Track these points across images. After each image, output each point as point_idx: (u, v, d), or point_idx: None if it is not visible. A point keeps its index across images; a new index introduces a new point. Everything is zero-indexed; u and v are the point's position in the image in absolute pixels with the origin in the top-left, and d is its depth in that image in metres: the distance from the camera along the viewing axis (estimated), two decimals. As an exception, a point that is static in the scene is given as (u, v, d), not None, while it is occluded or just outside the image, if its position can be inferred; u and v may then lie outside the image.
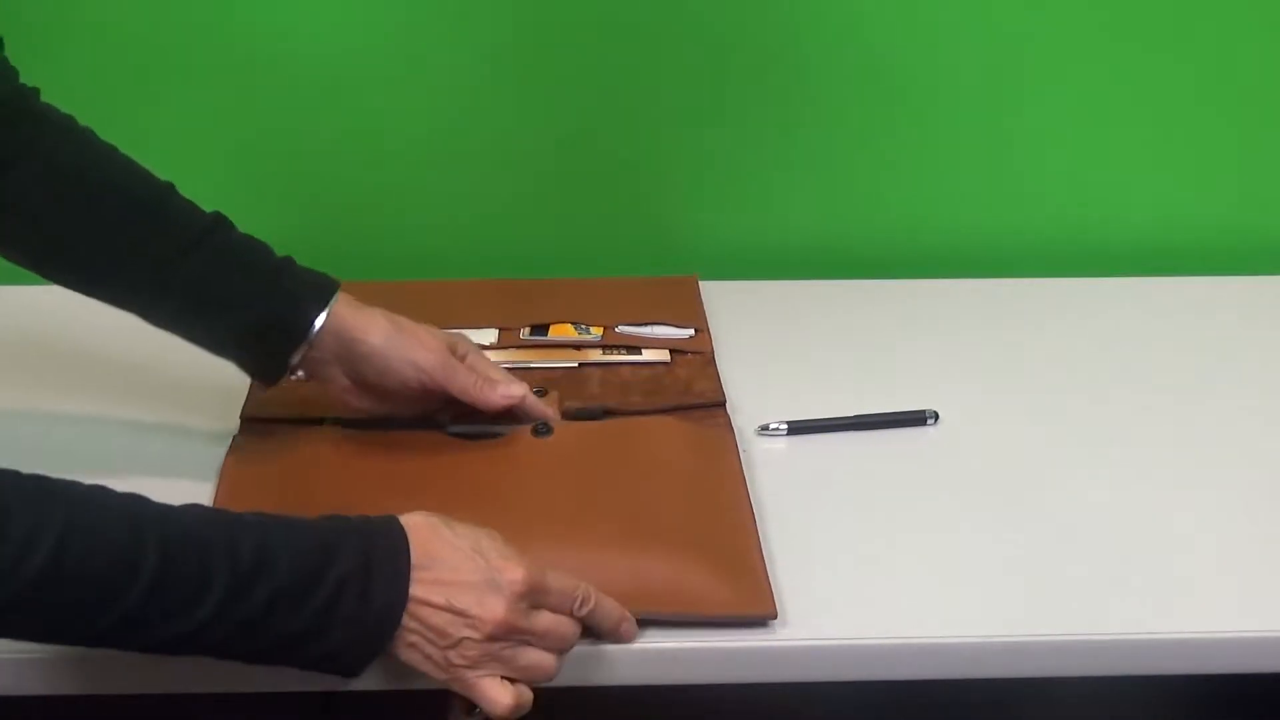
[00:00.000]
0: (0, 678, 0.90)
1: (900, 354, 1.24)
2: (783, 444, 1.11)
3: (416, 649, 0.83)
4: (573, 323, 1.23)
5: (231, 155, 1.36)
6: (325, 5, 1.30)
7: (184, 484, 1.04)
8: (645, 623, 0.91)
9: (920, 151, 1.38)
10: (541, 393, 1.09)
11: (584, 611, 0.87)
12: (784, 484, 1.06)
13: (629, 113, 1.36)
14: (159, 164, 1.13)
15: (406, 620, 0.81)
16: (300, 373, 1.04)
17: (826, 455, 1.10)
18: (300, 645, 0.81)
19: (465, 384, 1.03)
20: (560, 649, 0.86)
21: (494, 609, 0.82)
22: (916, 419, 1.13)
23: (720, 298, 1.30)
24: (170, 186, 1.02)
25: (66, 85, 1.07)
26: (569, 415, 1.10)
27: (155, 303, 1.01)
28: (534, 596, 0.84)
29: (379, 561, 0.81)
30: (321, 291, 1.01)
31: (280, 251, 1.04)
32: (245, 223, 1.18)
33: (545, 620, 0.85)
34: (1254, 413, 1.17)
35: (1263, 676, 0.96)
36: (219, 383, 1.17)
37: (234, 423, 1.11)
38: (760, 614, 0.92)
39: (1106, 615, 0.94)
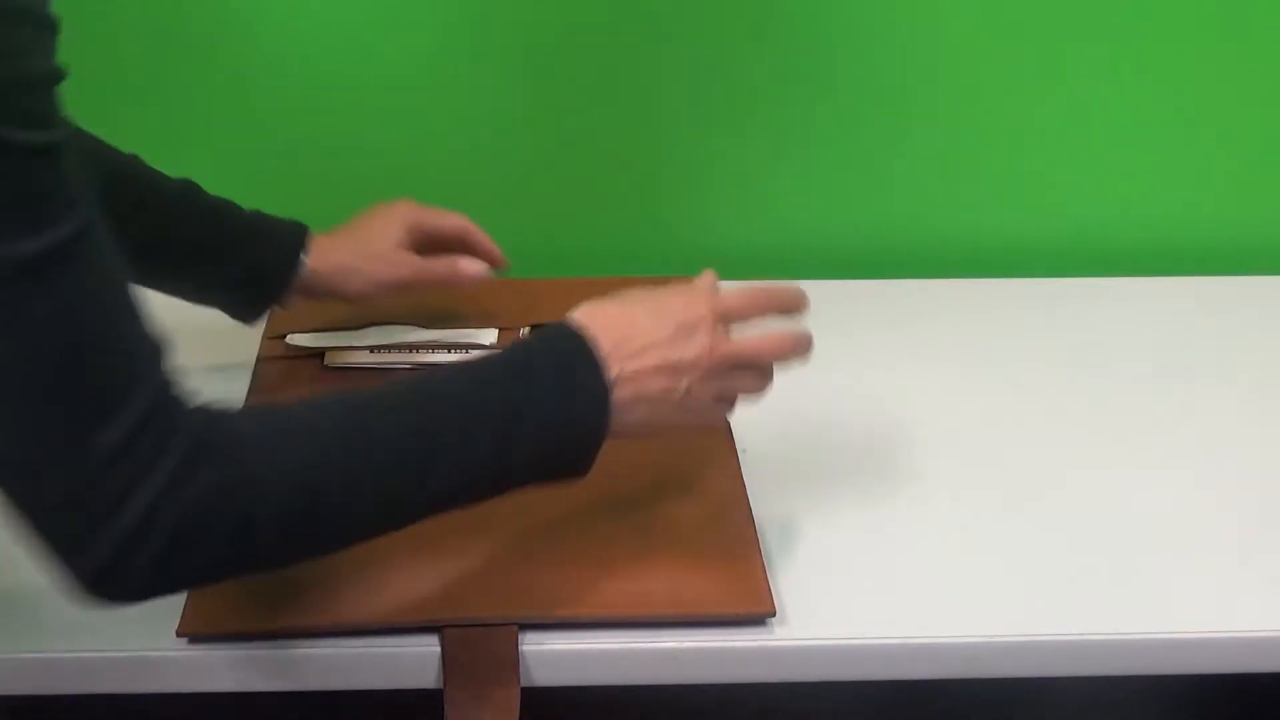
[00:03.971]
0: (0, 678, 0.90)
1: (900, 354, 1.24)
2: (782, 444, 1.11)
3: (653, 415, 0.87)
4: None
5: (230, 157, 1.36)
6: (328, 6, 1.30)
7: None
8: (645, 624, 0.91)
9: (920, 152, 1.38)
10: None
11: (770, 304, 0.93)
12: (784, 484, 1.06)
13: (633, 113, 1.36)
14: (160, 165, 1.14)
15: (622, 397, 0.85)
16: (276, 307, 1.14)
17: (827, 455, 1.10)
18: (543, 460, 0.84)
19: (439, 274, 1.16)
20: (774, 355, 0.92)
21: (701, 344, 0.87)
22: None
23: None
24: (136, 157, 1.08)
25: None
26: None
27: (145, 264, 1.03)
28: (726, 318, 0.90)
29: (567, 370, 0.85)
30: (296, 240, 1.11)
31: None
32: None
33: (748, 340, 0.90)
34: (1254, 413, 1.17)
35: (1262, 676, 0.96)
36: (218, 384, 1.17)
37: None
38: (759, 612, 0.92)
39: (1106, 615, 0.94)
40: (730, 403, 0.92)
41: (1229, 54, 1.35)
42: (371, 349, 1.19)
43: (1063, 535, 1.01)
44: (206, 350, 1.21)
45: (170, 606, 0.92)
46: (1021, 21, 1.33)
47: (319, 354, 1.19)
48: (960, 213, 1.41)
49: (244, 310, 1.14)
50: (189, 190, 1.09)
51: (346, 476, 0.78)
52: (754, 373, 0.91)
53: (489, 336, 1.21)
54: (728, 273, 1.33)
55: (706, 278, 0.93)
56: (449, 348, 1.19)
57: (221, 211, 1.10)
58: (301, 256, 1.11)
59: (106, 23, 1.28)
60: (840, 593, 0.95)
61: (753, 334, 0.90)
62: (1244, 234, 1.43)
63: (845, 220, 1.41)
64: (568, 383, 0.84)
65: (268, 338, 1.21)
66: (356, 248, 1.14)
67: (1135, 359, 1.24)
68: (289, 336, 1.20)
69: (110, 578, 0.72)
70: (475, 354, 0.86)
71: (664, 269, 1.35)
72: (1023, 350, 1.25)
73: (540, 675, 0.91)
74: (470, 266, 1.16)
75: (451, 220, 1.18)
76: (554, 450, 0.85)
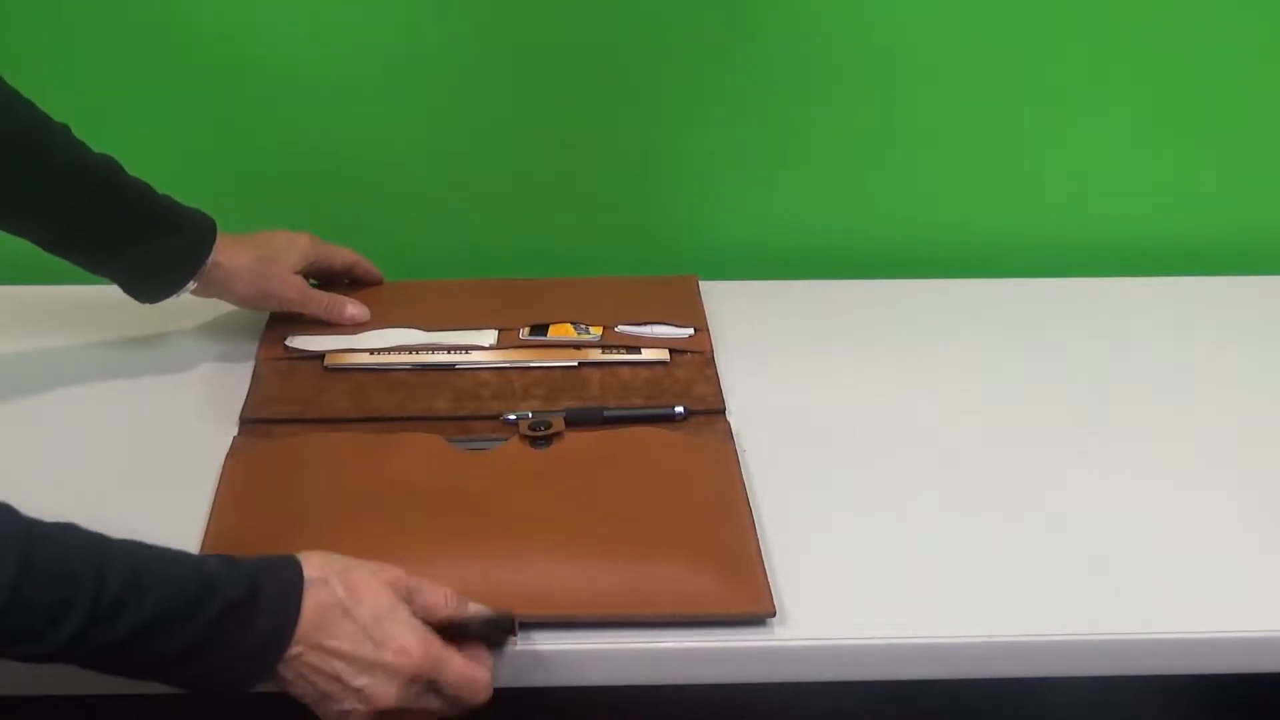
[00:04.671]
0: (0, 678, 0.90)
1: (899, 354, 1.24)
2: (782, 444, 1.11)
3: (305, 688, 0.82)
4: (572, 323, 1.23)
5: (231, 157, 1.36)
6: (325, 6, 1.30)
7: (183, 487, 1.04)
8: (646, 624, 0.91)
9: (920, 151, 1.38)
10: (545, 425, 1.08)
11: (481, 697, 0.85)
12: (784, 484, 1.06)
13: (629, 113, 1.35)
14: (158, 168, 1.14)
15: (293, 661, 0.80)
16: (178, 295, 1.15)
17: (826, 455, 1.10)
18: (176, 667, 0.79)
19: (319, 310, 1.22)
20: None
21: (385, 693, 0.82)
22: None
23: (720, 298, 1.30)
24: (65, 128, 1.08)
25: (62, 86, 1.07)
26: (570, 417, 1.10)
27: (60, 237, 1.09)
28: (430, 674, 0.83)
29: (267, 594, 0.80)
30: (207, 233, 1.14)
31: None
32: (244, 223, 1.19)
33: (437, 701, 0.84)
34: (1254, 412, 1.17)
35: (1263, 676, 0.96)
36: (218, 385, 1.17)
37: (233, 424, 1.11)
38: (758, 612, 0.92)
39: (1106, 615, 0.94)
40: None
41: (1227, 54, 1.35)
42: (371, 351, 1.19)
43: (1063, 535, 1.01)
44: (206, 351, 1.22)
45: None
46: (1020, 22, 1.32)
47: (319, 356, 1.19)
48: (958, 213, 1.41)
49: (142, 292, 1.14)
50: (110, 169, 1.10)
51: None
52: None
53: (488, 338, 1.21)
54: (727, 273, 1.34)
55: (432, 641, 0.84)
56: (449, 349, 1.19)
57: (139, 194, 1.11)
58: (212, 250, 1.13)
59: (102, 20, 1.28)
60: (840, 593, 0.95)
61: (444, 698, 0.85)
62: (1243, 234, 1.43)
63: (842, 220, 1.41)
64: (263, 600, 0.80)
65: (267, 339, 1.21)
66: (258, 255, 1.18)
67: (1135, 359, 1.24)
68: (289, 339, 1.20)
69: None
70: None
71: (661, 269, 1.35)
72: (1022, 350, 1.25)
73: (540, 675, 0.91)
74: (353, 310, 1.22)
75: (343, 256, 1.26)
76: (197, 678, 0.80)
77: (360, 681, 0.81)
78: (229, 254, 1.15)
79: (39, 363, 1.20)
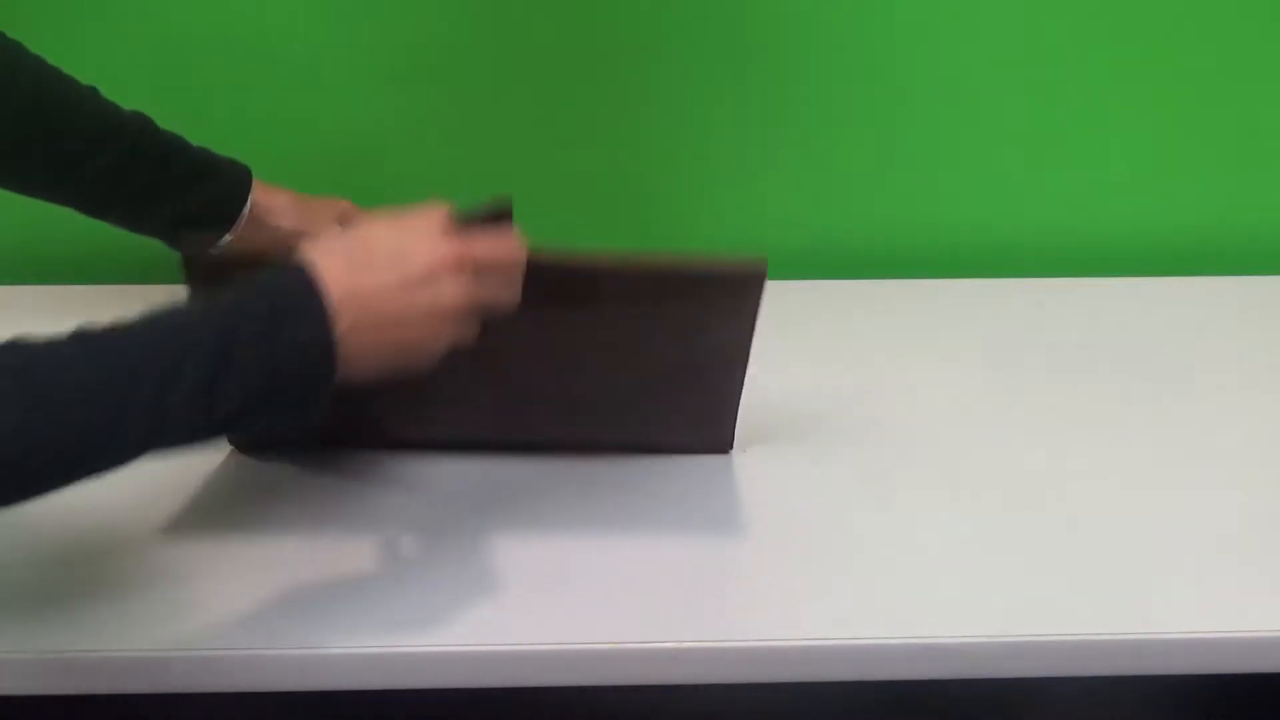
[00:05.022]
0: (0, 678, 0.90)
1: (899, 354, 1.24)
2: (782, 444, 1.11)
3: (383, 364, 0.82)
4: None
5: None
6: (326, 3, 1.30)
7: (183, 488, 1.04)
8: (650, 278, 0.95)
9: (920, 151, 1.38)
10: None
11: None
12: (783, 483, 1.06)
13: (629, 113, 1.36)
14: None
15: (349, 350, 0.79)
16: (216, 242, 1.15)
17: (826, 455, 1.10)
18: (261, 403, 0.78)
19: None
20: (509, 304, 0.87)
21: (449, 294, 0.83)
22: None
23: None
24: (95, 90, 1.10)
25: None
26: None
27: (99, 198, 1.11)
28: (465, 255, 0.84)
29: (285, 293, 0.79)
30: (242, 180, 1.14)
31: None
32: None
33: (487, 284, 0.85)
34: (1254, 413, 1.17)
35: (1262, 676, 0.96)
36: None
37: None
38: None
39: (1106, 615, 0.94)
40: (463, 339, 0.86)
41: (1227, 54, 1.35)
42: None
43: (1063, 535, 1.01)
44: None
45: (170, 606, 0.92)
46: (1021, 23, 1.33)
47: None
48: (959, 213, 1.41)
49: (186, 244, 1.11)
50: (144, 127, 1.11)
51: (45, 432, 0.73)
52: (484, 312, 0.86)
53: None
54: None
55: (436, 216, 0.85)
56: None
57: (175, 148, 1.13)
58: (249, 194, 1.14)
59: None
60: (840, 593, 0.95)
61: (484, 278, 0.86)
62: (1243, 234, 1.43)
63: (844, 220, 1.42)
64: (286, 337, 0.78)
65: None
66: (296, 195, 1.18)
67: (1135, 359, 1.24)
68: None
69: None
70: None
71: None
72: (1023, 350, 1.25)
73: (540, 675, 0.92)
74: None
75: None
76: (266, 400, 0.78)
77: (417, 298, 0.81)
78: (266, 193, 1.16)
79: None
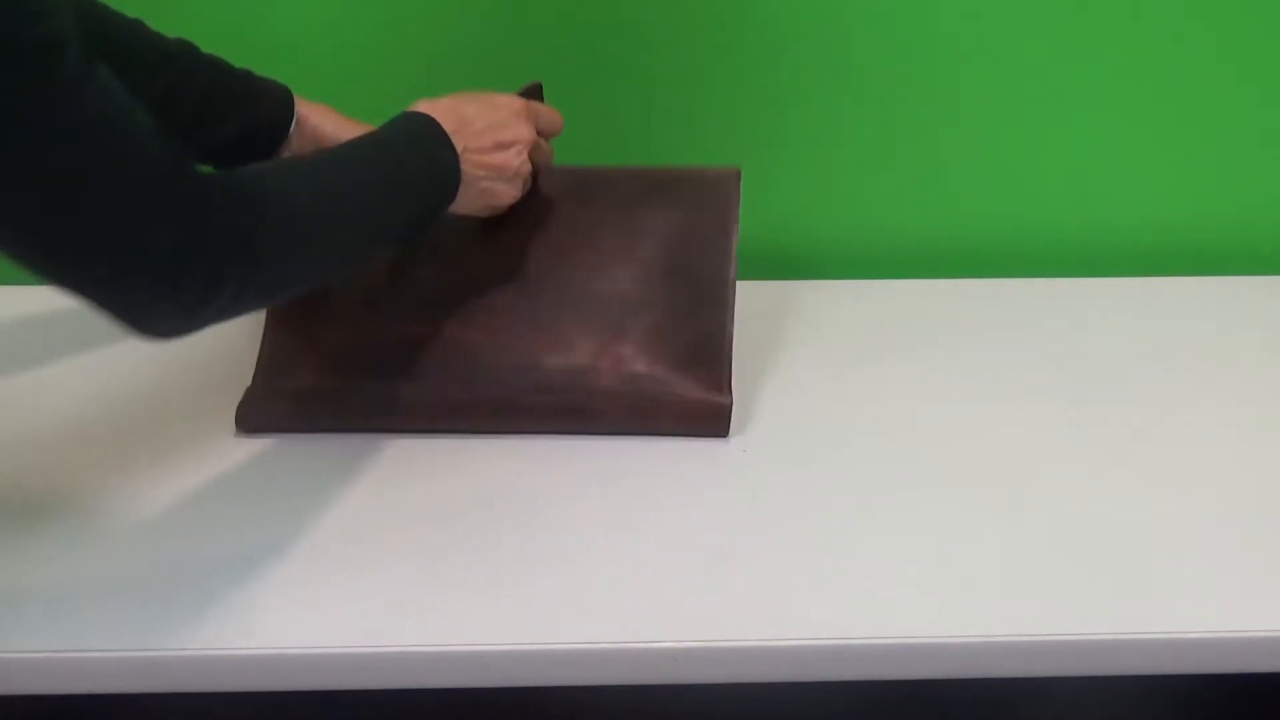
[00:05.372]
0: (0, 678, 0.90)
1: (899, 354, 1.24)
2: (782, 443, 1.11)
3: (488, 186, 1.08)
4: None
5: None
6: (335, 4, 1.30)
7: (183, 487, 1.04)
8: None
9: (919, 152, 1.38)
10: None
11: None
12: (783, 483, 1.06)
13: (634, 114, 1.36)
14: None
15: (466, 168, 1.05)
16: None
17: (826, 454, 1.10)
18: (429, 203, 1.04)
19: None
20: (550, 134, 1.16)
21: (526, 132, 1.10)
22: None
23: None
24: (140, 21, 1.11)
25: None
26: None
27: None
28: (531, 111, 1.12)
29: (417, 130, 1.04)
30: (284, 100, 1.16)
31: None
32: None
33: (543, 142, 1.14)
34: (1253, 413, 1.17)
35: (1263, 676, 0.96)
36: (220, 382, 1.17)
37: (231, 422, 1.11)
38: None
39: (1105, 615, 0.94)
40: (526, 180, 1.13)
41: (1228, 54, 1.35)
42: None
43: (1062, 535, 1.01)
44: (208, 351, 1.22)
45: (171, 606, 0.92)
46: (1022, 22, 1.33)
47: None
48: (959, 213, 1.41)
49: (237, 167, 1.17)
50: (189, 53, 1.12)
51: (333, 207, 0.94)
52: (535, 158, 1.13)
53: None
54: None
55: (509, 98, 1.12)
56: None
57: (219, 75, 1.13)
58: (294, 113, 1.15)
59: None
60: (840, 592, 0.95)
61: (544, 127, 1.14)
62: (1243, 234, 1.43)
63: (844, 221, 1.41)
64: (433, 152, 1.03)
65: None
66: (336, 113, 1.19)
67: (1135, 359, 1.24)
68: None
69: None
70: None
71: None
72: (1023, 350, 1.25)
73: (539, 675, 0.92)
74: None
75: None
76: (433, 198, 1.04)
77: (507, 135, 1.08)
78: (309, 106, 1.17)
79: (39, 362, 1.21)
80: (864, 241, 1.42)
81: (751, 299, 1.31)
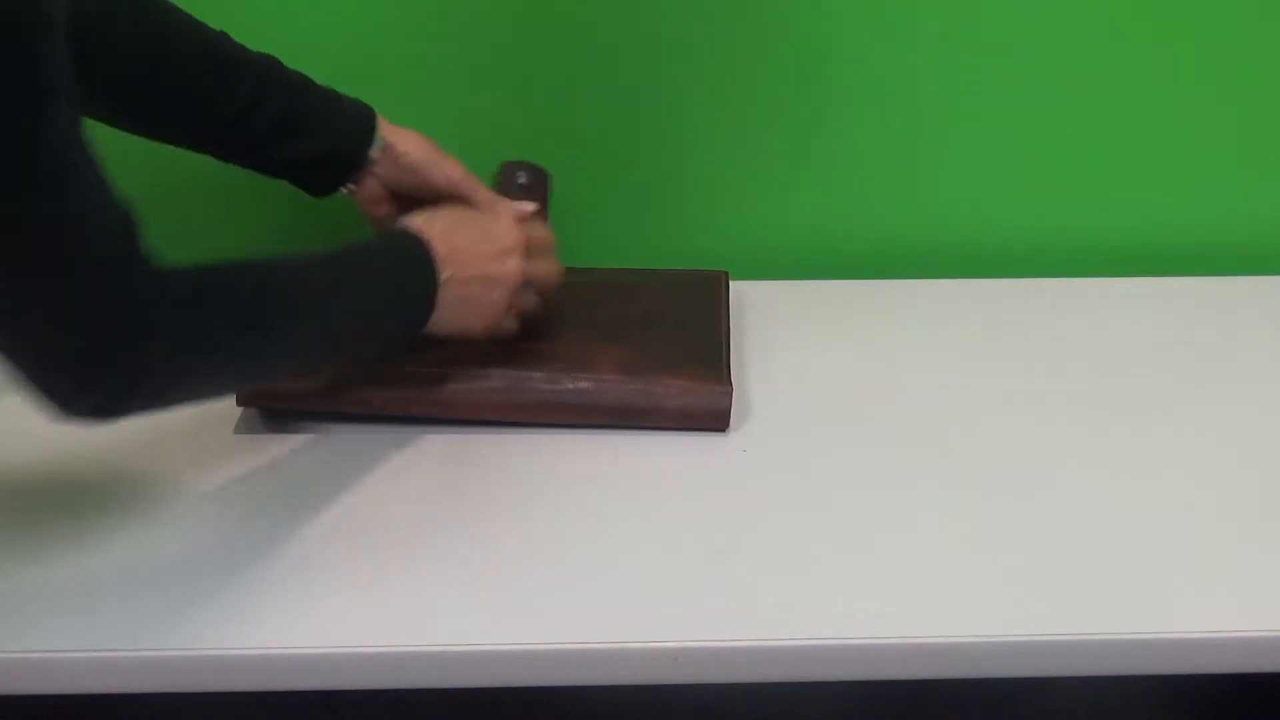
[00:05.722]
0: (1, 678, 0.90)
1: (899, 354, 1.24)
2: (782, 443, 1.11)
3: (466, 316, 1.07)
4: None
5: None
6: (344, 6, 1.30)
7: (181, 488, 1.04)
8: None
9: (920, 152, 1.38)
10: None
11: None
12: (783, 482, 1.06)
13: (637, 114, 1.36)
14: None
15: (445, 296, 1.03)
16: (351, 185, 1.16)
17: (826, 454, 1.10)
18: (391, 331, 1.04)
19: (483, 197, 1.18)
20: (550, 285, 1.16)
21: (514, 270, 1.09)
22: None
23: (736, 296, 1.30)
24: (225, 34, 1.11)
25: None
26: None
27: (230, 139, 1.12)
28: (527, 240, 1.11)
29: (411, 257, 1.04)
30: (368, 116, 1.15)
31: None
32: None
33: (540, 265, 1.13)
34: (1254, 413, 1.17)
35: (1263, 676, 0.96)
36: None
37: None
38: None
39: (1106, 615, 0.94)
40: (516, 315, 1.12)
41: (1228, 54, 1.35)
42: None
43: (1063, 535, 1.01)
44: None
45: (171, 606, 0.92)
46: (1022, 24, 1.33)
47: None
48: (960, 213, 1.41)
49: (317, 187, 1.16)
50: (272, 66, 1.12)
51: (269, 331, 0.92)
52: (532, 294, 1.13)
53: None
54: (730, 273, 1.34)
55: (515, 209, 1.14)
56: None
57: (303, 88, 1.13)
58: (376, 133, 1.14)
59: None
60: (839, 593, 0.95)
61: (542, 265, 1.14)
62: (1243, 234, 1.43)
63: (844, 220, 1.41)
64: (410, 279, 1.03)
65: None
66: (424, 139, 1.18)
67: (1135, 359, 1.24)
68: None
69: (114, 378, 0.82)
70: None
71: (667, 265, 1.35)
72: (1023, 350, 1.25)
73: (539, 675, 0.92)
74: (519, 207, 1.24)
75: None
76: (393, 326, 1.04)
77: (495, 269, 1.07)
78: (399, 133, 1.16)
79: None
80: (864, 241, 1.42)
81: (750, 299, 1.32)
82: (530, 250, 1.11)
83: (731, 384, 1.12)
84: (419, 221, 1.05)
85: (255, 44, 1.12)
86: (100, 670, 0.90)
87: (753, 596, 0.95)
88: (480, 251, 1.07)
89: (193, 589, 0.94)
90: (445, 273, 1.03)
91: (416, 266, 1.03)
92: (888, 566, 0.98)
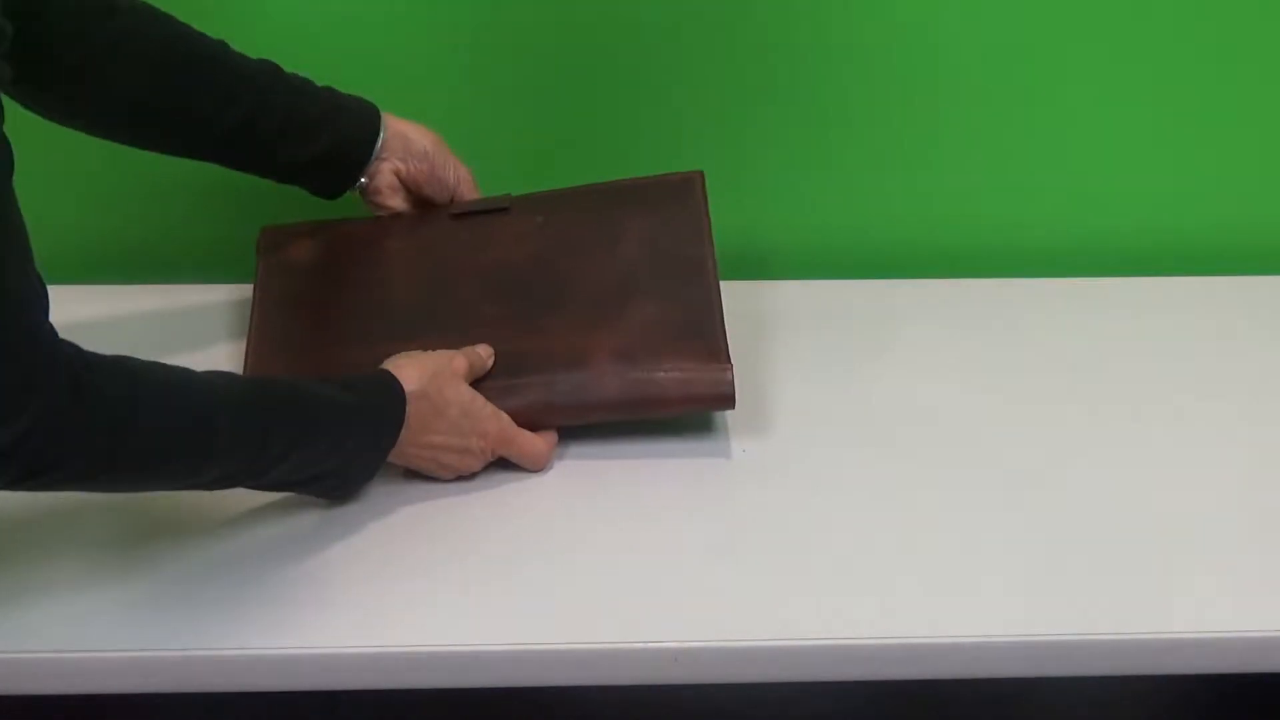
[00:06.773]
0: (0, 678, 0.90)
1: (899, 354, 1.24)
2: (782, 443, 1.11)
3: (410, 465, 1.03)
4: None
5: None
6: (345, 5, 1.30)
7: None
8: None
9: (921, 152, 1.38)
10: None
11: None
12: (783, 483, 1.06)
13: (625, 114, 1.35)
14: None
15: (400, 452, 1.01)
16: (363, 180, 1.17)
17: (826, 455, 1.10)
18: (320, 480, 0.99)
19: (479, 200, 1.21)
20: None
21: (470, 465, 1.05)
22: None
23: (740, 298, 1.30)
24: (224, 43, 1.11)
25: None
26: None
27: (236, 148, 1.12)
28: (503, 450, 1.05)
29: (379, 412, 1.00)
30: (370, 117, 1.16)
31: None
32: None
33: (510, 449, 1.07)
34: (1253, 413, 1.16)
35: (1263, 676, 0.96)
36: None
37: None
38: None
39: (1107, 615, 0.94)
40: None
41: (1228, 54, 1.35)
42: None
43: (1063, 535, 1.01)
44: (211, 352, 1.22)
45: (171, 606, 0.92)
46: (1022, 24, 1.32)
47: None
48: (960, 213, 1.41)
49: (329, 187, 1.17)
50: (273, 74, 1.12)
51: (182, 448, 0.88)
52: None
53: None
54: (729, 272, 1.34)
55: (503, 422, 1.06)
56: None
57: (304, 91, 1.13)
58: (380, 133, 1.15)
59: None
60: (839, 593, 0.95)
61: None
62: (1244, 234, 1.43)
63: (844, 220, 1.41)
64: (371, 438, 0.99)
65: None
66: (429, 132, 1.19)
67: (1135, 359, 1.24)
68: None
69: None
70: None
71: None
72: (1023, 350, 1.25)
73: (539, 675, 0.92)
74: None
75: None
76: (325, 479, 0.99)
77: (450, 459, 1.03)
78: (399, 121, 1.17)
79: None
80: (864, 241, 1.42)
81: (747, 300, 1.31)
82: (496, 451, 1.06)
83: (731, 361, 1.08)
84: (414, 376, 1.01)
85: (256, 45, 1.12)
86: (100, 670, 0.90)
87: (753, 596, 0.95)
88: (445, 437, 1.02)
89: (193, 589, 0.94)
90: (403, 444, 1.00)
91: (381, 432, 0.99)
92: (888, 566, 0.98)
